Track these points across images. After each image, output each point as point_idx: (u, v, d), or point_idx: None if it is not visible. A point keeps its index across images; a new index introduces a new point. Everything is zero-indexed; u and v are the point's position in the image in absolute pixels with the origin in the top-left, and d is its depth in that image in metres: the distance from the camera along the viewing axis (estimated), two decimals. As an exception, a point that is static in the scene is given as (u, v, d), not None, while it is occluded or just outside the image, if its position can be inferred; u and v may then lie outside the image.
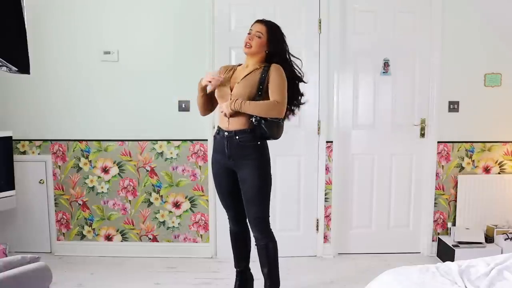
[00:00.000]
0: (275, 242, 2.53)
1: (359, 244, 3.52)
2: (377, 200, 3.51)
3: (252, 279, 2.74)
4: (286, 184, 3.40)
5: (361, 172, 3.49)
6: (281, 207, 3.39)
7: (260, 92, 2.35)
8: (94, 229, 3.52)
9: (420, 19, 3.37)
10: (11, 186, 3.20)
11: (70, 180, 3.48)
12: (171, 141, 3.42)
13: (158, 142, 3.42)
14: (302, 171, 3.43)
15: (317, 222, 3.47)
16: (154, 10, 3.33)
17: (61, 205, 3.50)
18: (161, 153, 3.43)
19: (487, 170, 3.47)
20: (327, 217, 3.47)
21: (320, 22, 3.32)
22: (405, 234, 3.54)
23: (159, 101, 3.38)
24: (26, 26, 2.41)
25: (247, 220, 2.61)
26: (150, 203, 3.48)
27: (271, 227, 2.53)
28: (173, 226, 3.49)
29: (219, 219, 3.40)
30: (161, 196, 3.47)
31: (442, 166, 3.46)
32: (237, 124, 2.38)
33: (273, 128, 2.35)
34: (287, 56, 2.45)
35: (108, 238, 3.52)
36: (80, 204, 3.50)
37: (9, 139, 3.20)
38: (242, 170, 2.43)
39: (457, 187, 3.45)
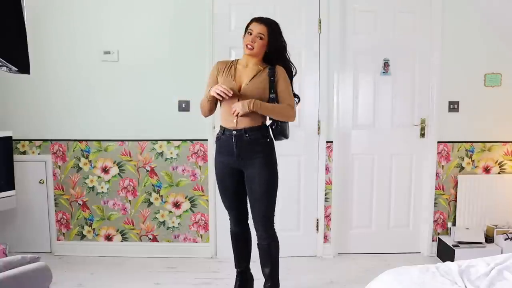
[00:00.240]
0: (278, 242, 2.54)
1: (359, 244, 3.52)
2: (377, 200, 3.51)
3: (252, 279, 2.74)
4: (286, 184, 3.37)
5: (361, 172, 3.49)
6: (281, 207, 3.36)
7: (272, 96, 2.41)
8: (94, 229, 3.52)
9: (420, 19, 3.37)
10: (11, 186, 3.20)
11: (70, 180, 3.48)
12: (171, 141, 3.42)
13: (158, 142, 3.42)
14: (302, 171, 3.43)
15: (317, 222, 3.47)
16: (154, 10, 3.33)
17: (61, 205, 3.50)
18: (161, 153, 3.43)
19: (487, 170, 3.47)
20: (327, 217, 3.47)
21: (320, 22, 3.32)
22: (405, 234, 3.55)
23: (159, 101, 3.38)
24: (26, 26, 2.40)
25: (248, 221, 2.62)
26: (150, 203, 3.48)
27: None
28: (173, 226, 3.49)
29: (219, 219, 3.40)
30: (161, 196, 3.47)
31: (442, 166, 3.46)
32: (246, 122, 2.38)
33: (288, 127, 2.51)
34: (285, 53, 2.47)
35: (108, 238, 3.52)
36: (80, 204, 3.50)
37: (9, 139, 3.20)
38: (251, 169, 2.42)
39: (457, 187, 3.45)
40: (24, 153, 3.46)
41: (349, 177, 3.49)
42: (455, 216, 3.48)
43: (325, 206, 3.45)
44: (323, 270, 3.23)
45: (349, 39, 3.37)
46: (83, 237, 3.52)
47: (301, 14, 3.33)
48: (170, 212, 3.48)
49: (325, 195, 3.45)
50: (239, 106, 2.33)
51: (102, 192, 3.48)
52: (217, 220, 3.42)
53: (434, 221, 3.51)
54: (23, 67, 2.45)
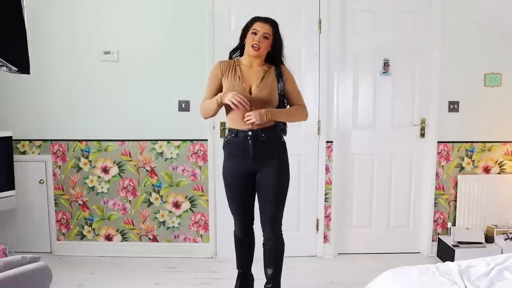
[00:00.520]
0: (284, 244, 2.53)
1: (359, 244, 3.52)
2: (377, 200, 3.51)
3: (253, 280, 2.73)
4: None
5: (361, 172, 3.49)
6: (281, 207, 3.39)
7: (283, 99, 2.40)
8: (94, 229, 3.52)
9: (420, 19, 3.37)
10: (11, 186, 3.20)
11: (70, 180, 3.48)
12: (171, 141, 3.42)
13: (158, 142, 3.43)
14: (302, 171, 3.43)
15: (317, 222, 3.47)
16: (154, 10, 3.33)
17: (61, 205, 3.50)
18: (161, 153, 3.43)
19: (487, 170, 3.47)
20: (327, 217, 3.47)
21: (320, 22, 3.32)
22: (405, 234, 3.55)
23: (159, 101, 3.38)
24: (26, 26, 2.41)
25: (253, 225, 2.59)
26: (150, 203, 3.48)
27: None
28: (173, 226, 3.49)
29: (219, 219, 3.40)
30: (161, 196, 3.47)
31: (442, 166, 3.46)
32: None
33: (286, 126, 2.49)
34: (283, 52, 2.45)
35: (108, 238, 3.52)
36: (80, 204, 3.50)
37: (9, 139, 3.20)
38: (265, 171, 2.39)
39: (457, 187, 3.45)
40: (24, 153, 3.46)
41: (349, 177, 3.49)
42: (455, 216, 3.48)
43: (325, 206, 3.45)
44: (323, 270, 3.23)
45: (349, 39, 3.37)
46: (83, 237, 3.52)
47: (301, 14, 3.33)
48: (170, 212, 3.48)
49: (325, 195, 3.45)
50: (256, 116, 2.25)
51: (102, 192, 3.48)
52: (217, 220, 3.42)
53: (434, 221, 3.51)
54: (23, 67, 2.45)
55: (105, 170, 3.46)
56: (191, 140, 3.42)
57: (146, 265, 3.30)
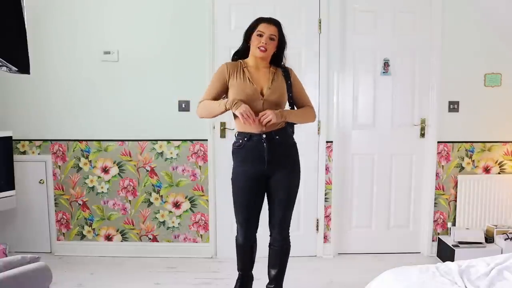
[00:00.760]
0: (290, 246, 2.55)
1: (359, 244, 3.52)
2: (377, 200, 3.51)
3: (252, 279, 2.73)
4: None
5: (361, 172, 3.49)
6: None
7: (291, 101, 2.40)
8: (94, 229, 3.52)
9: (420, 19, 3.37)
10: (11, 186, 3.20)
11: (70, 180, 3.48)
12: (171, 141, 3.42)
13: (158, 142, 3.43)
14: (302, 171, 3.41)
15: (317, 222, 3.47)
16: (154, 10, 3.33)
17: (61, 205, 3.50)
18: (161, 153, 3.43)
19: (487, 170, 3.47)
20: (327, 217, 3.47)
21: (320, 22, 3.32)
22: (405, 234, 3.55)
23: (159, 101, 3.38)
24: (26, 26, 2.40)
25: (257, 231, 2.54)
26: (150, 203, 3.48)
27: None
28: (173, 226, 3.49)
29: (219, 219, 3.40)
30: (161, 196, 3.47)
31: (442, 166, 3.46)
32: (273, 124, 2.29)
33: (294, 128, 2.47)
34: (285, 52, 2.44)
35: (108, 238, 3.52)
36: (80, 204, 3.50)
37: (9, 139, 3.20)
38: (279, 174, 2.36)
39: (457, 187, 3.45)
40: (24, 153, 3.46)
41: (349, 177, 3.49)
42: (455, 216, 3.48)
43: (325, 206, 3.45)
44: (323, 270, 3.23)
45: (349, 39, 3.37)
46: (83, 237, 3.52)
47: (301, 14, 3.33)
48: (170, 212, 3.48)
49: (325, 195, 3.45)
50: (273, 116, 2.22)
51: (102, 192, 3.48)
52: (217, 220, 3.42)
53: (434, 221, 3.51)
54: (23, 67, 2.45)
55: (105, 170, 3.46)
56: (191, 140, 3.42)
57: (146, 265, 3.30)
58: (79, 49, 3.36)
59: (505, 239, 3.19)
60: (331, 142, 3.41)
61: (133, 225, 3.50)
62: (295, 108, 2.46)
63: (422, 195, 3.50)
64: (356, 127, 3.46)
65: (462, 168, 3.47)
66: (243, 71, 2.36)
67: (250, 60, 2.39)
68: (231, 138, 3.30)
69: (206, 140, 3.39)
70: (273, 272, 2.53)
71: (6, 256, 2.95)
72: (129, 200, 3.48)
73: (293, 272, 3.12)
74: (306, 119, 2.47)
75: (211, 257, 3.46)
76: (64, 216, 3.51)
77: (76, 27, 3.34)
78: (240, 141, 2.36)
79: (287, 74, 2.40)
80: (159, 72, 3.36)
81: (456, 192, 3.46)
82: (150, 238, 3.50)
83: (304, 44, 3.32)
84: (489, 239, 3.30)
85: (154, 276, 3.10)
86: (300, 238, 3.46)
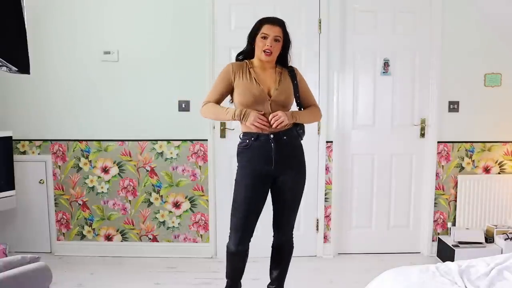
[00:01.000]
0: (293, 247, 2.54)
1: (359, 244, 3.53)
2: (377, 200, 3.51)
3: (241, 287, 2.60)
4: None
5: (361, 172, 3.49)
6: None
7: (298, 101, 2.39)
8: (94, 229, 3.52)
9: (420, 19, 3.37)
10: (11, 186, 3.20)
11: (70, 180, 3.48)
12: (171, 141, 3.42)
13: (158, 142, 3.43)
14: (302, 171, 3.42)
15: (317, 222, 3.47)
16: (154, 10, 3.33)
17: (61, 205, 3.50)
18: (161, 153, 3.43)
19: (487, 170, 3.47)
20: (327, 217, 3.47)
21: (320, 22, 3.32)
22: (405, 234, 3.55)
23: (159, 101, 3.38)
24: (26, 26, 2.41)
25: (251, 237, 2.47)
26: (150, 203, 3.48)
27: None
28: (173, 226, 3.49)
29: (219, 219, 3.40)
30: (161, 196, 3.47)
31: (442, 166, 3.46)
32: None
33: (304, 128, 2.43)
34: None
35: (108, 238, 3.52)
36: (80, 204, 3.50)
37: (9, 139, 3.20)
38: (286, 175, 2.33)
39: (457, 187, 3.45)
40: (24, 153, 3.46)
41: (349, 177, 3.49)
42: (455, 216, 3.48)
43: (325, 206, 3.46)
44: (323, 270, 3.23)
45: (349, 39, 3.37)
46: (83, 237, 3.52)
47: (301, 14, 3.33)
48: (170, 212, 3.48)
49: (325, 195, 3.45)
50: (285, 118, 2.22)
51: (102, 192, 3.48)
52: (217, 220, 3.42)
53: (434, 221, 3.51)
54: (23, 67, 2.45)
55: (105, 170, 3.46)
56: (191, 140, 3.42)
57: (146, 265, 3.30)
58: (79, 49, 3.36)
59: (505, 239, 3.19)
60: (331, 142, 3.41)
61: (133, 225, 3.50)
62: (302, 108, 2.45)
63: (422, 195, 3.50)
64: (356, 127, 3.46)
65: (462, 168, 3.47)
66: (249, 71, 2.32)
67: (255, 61, 2.36)
68: (231, 138, 3.31)
69: (206, 140, 3.39)
70: (275, 273, 2.53)
71: (6, 256, 2.95)
72: (129, 200, 3.48)
73: (293, 272, 3.12)
74: (314, 118, 2.48)
75: (211, 257, 3.46)
76: (64, 216, 3.51)
77: (76, 27, 3.34)
78: (247, 141, 2.30)
79: (293, 74, 2.38)
80: (159, 72, 3.36)
81: (456, 192, 3.46)
82: (150, 238, 3.50)
83: (304, 44, 3.32)
84: (489, 239, 3.30)
85: (154, 276, 3.10)
86: (300, 238, 3.45)
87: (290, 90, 2.35)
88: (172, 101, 3.38)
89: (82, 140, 3.44)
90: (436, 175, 3.46)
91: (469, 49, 3.37)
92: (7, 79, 3.26)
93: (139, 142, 3.43)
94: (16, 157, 3.34)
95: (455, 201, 3.47)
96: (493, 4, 3.34)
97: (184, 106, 3.37)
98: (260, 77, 2.31)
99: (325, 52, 3.33)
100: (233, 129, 3.32)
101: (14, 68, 2.38)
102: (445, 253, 3.31)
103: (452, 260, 2.99)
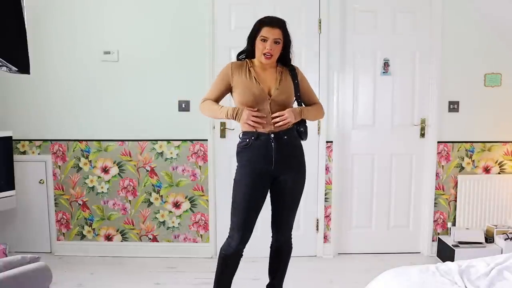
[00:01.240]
0: (292, 247, 2.54)
1: (359, 244, 3.53)
2: (377, 200, 3.51)
3: None
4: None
5: (361, 172, 3.49)
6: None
7: (299, 100, 2.38)
8: (94, 229, 3.52)
9: (420, 19, 3.37)
10: (11, 186, 3.20)
11: (70, 180, 3.48)
12: (171, 141, 3.42)
13: (158, 142, 3.43)
14: (302, 171, 3.42)
15: (317, 222, 3.47)
16: (154, 10, 3.33)
17: (61, 205, 3.50)
18: (161, 153, 3.43)
19: (487, 170, 3.47)
20: (327, 217, 3.47)
21: (320, 22, 3.32)
22: (405, 234, 3.55)
23: (159, 101, 3.38)
24: (26, 26, 2.41)
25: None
26: (150, 203, 3.48)
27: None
28: (173, 226, 3.49)
29: (219, 219, 3.40)
30: (161, 196, 3.47)
31: (442, 166, 3.46)
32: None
33: (307, 129, 2.39)
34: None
35: (108, 238, 3.52)
36: (80, 204, 3.50)
37: (9, 139, 3.20)
38: (285, 175, 2.31)
39: (457, 187, 3.45)
40: (24, 153, 3.46)
41: (349, 177, 3.49)
42: (455, 216, 3.48)
43: (325, 206, 3.46)
44: (323, 270, 3.23)
45: (349, 39, 3.37)
46: (83, 237, 3.52)
47: (301, 14, 3.33)
48: (170, 212, 3.48)
49: (325, 195, 3.45)
50: (292, 117, 2.22)
51: (102, 192, 3.48)
52: (217, 220, 3.42)
53: (434, 221, 3.51)
54: (23, 67, 2.45)
55: (105, 170, 3.46)
56: (191, 140, 3.42)
57: (146, 265, 3.30)
58: (79, 49, 3.36)
59: (505, 239, 3.19)
60: (331, 142, 3.41)
61: (133, 225, 3.50)
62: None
63: (422, 195, 3.50)
64: (356, 127, 3.46)
65: (462, 168, 3.47)
66: (249, 70, 2.31)
67: (256, 60, 2.34)
68: (231, 138, 3.31)
69: (206, 140, 3.39)
70: (274, 273, 2.53)
71: (6, 256, 2.95)
72: (129, 200, 3.48)
73: (293, 272, 3.13)
74: (318, 116, 2.47)
75: (211, 257, 3.46)
76: (64, 216, 3.51)
77: (76, 27, 3.34)
78: (247, 140, 2.28)
79: (294, 73, 2.36)
80: (159, 72, 3.36)
81: (456, 192, 3.46)
82: (150, 238, 3.50)
83: (304, 44, 3.31)
84: (489, 239, 3.30)
85: (154, 276, 3.10)
86: (300, 238, 3.45)
87: (290, 89, 2.33)
88: (172, 101, 3.38)
89: (82, 140, 3.44)
90: (436, 175, 3.46)
91: (469, 49, 3.37)
92: (7, 79, 3.26)
93: (139, 142, 3.43)
94: (16, 157, 3.34)
95: (455, 201, 3.47)
96: (493, 4, 3.34)
97: (184, 106, 3.37)
98: (260, 76, 2.30)
99: (325, 52, 3.33)
100: (233, 129, 3.32)
101: (14, 68, 2.38)
102: (445, 253, 3.31)
103: (452, 260, 2.99)
